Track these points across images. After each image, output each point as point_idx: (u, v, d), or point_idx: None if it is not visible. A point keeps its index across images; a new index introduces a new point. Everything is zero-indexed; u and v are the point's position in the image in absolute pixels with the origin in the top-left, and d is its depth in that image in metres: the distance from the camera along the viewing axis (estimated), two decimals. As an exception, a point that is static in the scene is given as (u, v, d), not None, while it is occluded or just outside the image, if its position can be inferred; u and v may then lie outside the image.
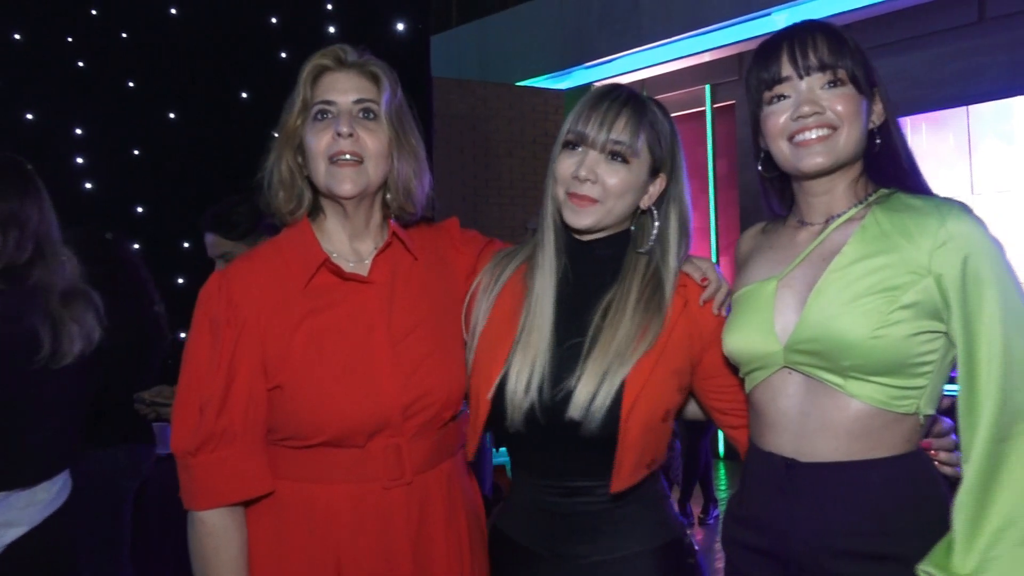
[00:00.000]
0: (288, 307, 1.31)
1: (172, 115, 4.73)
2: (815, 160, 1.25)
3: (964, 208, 1.21)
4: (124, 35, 4.67)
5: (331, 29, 4.95)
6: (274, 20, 4.89)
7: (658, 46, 7.26)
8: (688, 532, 1.45)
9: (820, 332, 1.22)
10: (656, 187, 1.39)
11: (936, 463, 1.26)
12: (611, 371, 1.29)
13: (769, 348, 1.28)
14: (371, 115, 1.34)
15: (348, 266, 1.36)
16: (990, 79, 5.87)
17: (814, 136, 1.25)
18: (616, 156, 1.33)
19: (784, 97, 1.28)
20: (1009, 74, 5.80)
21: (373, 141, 1.33)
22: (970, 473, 1.14)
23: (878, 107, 1.29)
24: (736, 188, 7.33)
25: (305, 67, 1.35)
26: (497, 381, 1.34)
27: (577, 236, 1.40)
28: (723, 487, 6.09)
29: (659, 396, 1.33)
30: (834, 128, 1.25)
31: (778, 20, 6.60)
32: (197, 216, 2.53)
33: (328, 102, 1.33)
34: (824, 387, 1.24)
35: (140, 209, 4.70)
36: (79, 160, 4.52)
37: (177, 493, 1.30)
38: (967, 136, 5.95)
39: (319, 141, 1.32)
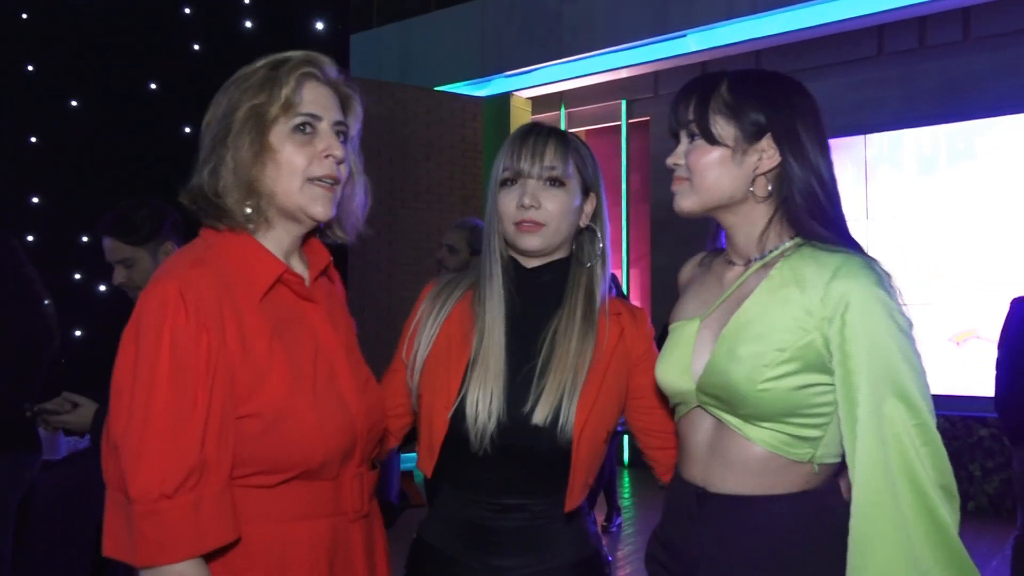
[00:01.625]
0: (251, 323, 1.16)
1: (74, 103, 4.54)
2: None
3: (861, 262, 1.21)
4: (24, 16, 4.45)
5: (248, 24, 4.84)
6: (187, 11, 4.75)
7: (577, 60, 7.37)
8: (603, 545, 1.51)
9: (719, 379, 1.26)
10: (590, 206, 1.50)
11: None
12: (565, 394, 1.38)
13: (685, 387, 1.33)
14: (343, 139, 1.26)
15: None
16: (887, 111, 6.20)
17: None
18: (553, 181, 1.45)
19: None
20: (903, 107, 6.14)
21: (344, 166, 1.26)
22: (851, 532, 1.16)
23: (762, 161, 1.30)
24: (648, 202, 7.51)
25: (288, 65, 1.22)
26: (456, 404, 1.40)
27: (523, 264, 1.49)
28: (627, 495, 6.19)
29: (604, 417, 1.42)
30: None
31: (691, 42, 6.81)
32: (97, 209, 2.43)
33: (314, 116, 1.22)
34: (727, 428, 1.28)
35: (36, 200, 4.49)
36: (-30, 145, 4.29)
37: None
38: (864, 164, 6.28)
39: (300, 157, 1.20)
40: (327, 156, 1.21)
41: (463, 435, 1.38)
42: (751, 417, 1.24)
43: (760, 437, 1.25)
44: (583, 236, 1.51)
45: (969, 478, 5.56)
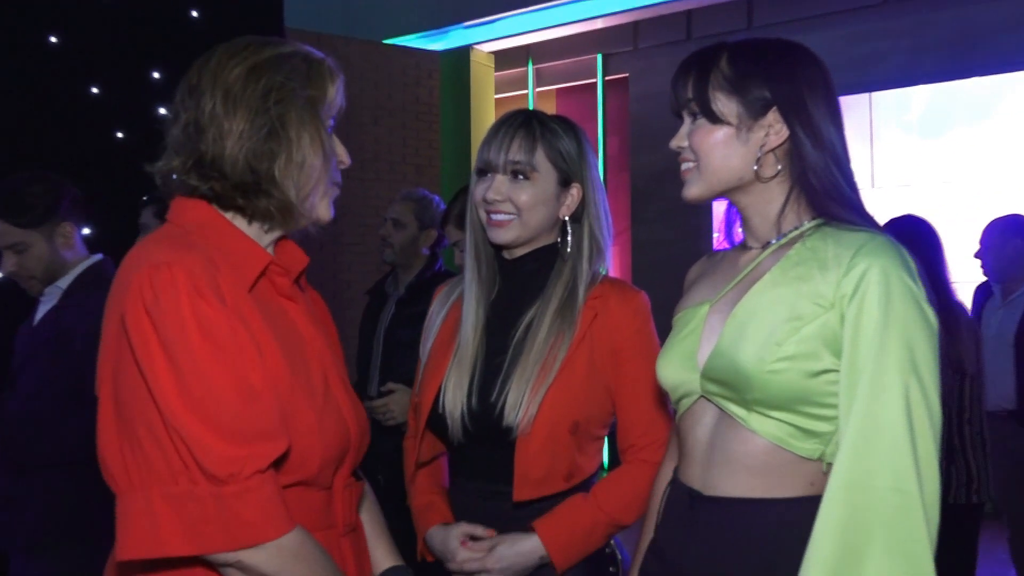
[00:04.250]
0: (247, 314, 1.20)
1: (-42, 58, 4.40)
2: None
3: (887, 242, 1.26)
4: None
5: (164, -36, 4.73)
6: (92, -50, 4.63)
7: (546, 8, 7.34)
8: (611, 543, 1.65)
9: (727, 362, 1.29)
10: (573, 198, 1.66)
11: None
12: (523, 382, 1.56)
13: (688, 376, 1.37)
14: None
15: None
16: (894, 66, 6.27)
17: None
18: (517, 174, 1.62)
19: None
20: (912, 62, 6.21)
21: None
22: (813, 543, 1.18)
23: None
24: (628, 170, 7.52)
25: (327, 66, 1.31)
26: (436, 394, 1.64)
27: (506, 255, 1.68)
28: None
29: (563, 406, 1.56)
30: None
31: (677, -13, 6.81)
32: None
33: (335, 119, 1.33)
34: (731, 420, 1.31)
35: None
36: None
37: None
38: (868, 126, 6.35)
39: (331, 159, 1.30)
40: (340, 161, 1.33)
41: (442, 423, 1.62)
42: (758, 404, 1.27)
43: (765, 428, 1.27)
44: (570, 226, 1.66)
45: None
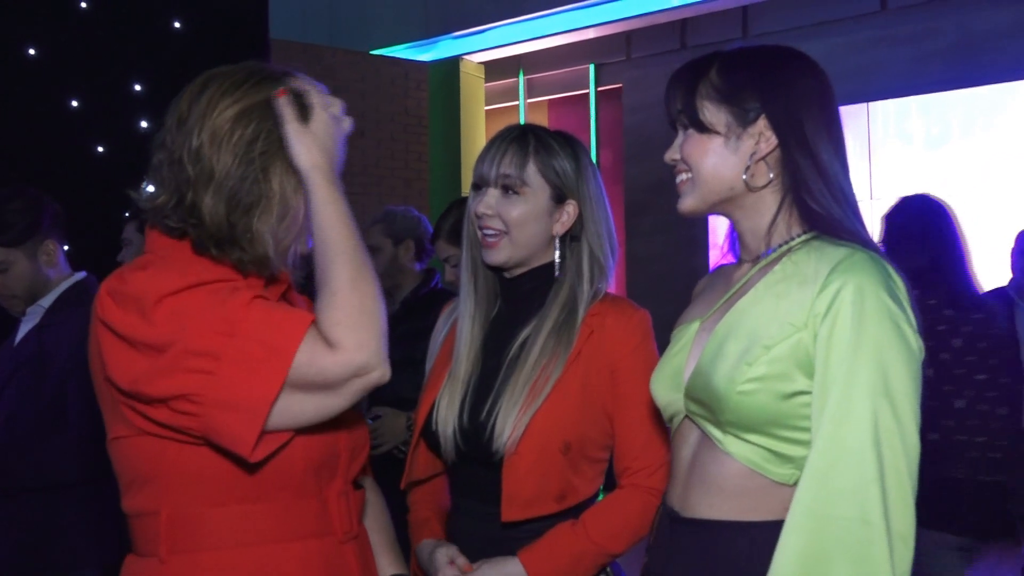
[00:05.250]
0: None
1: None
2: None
3: (867, 257, 1.23)
4: None
5: (146, -25, 4.75)
6: (72, -40, 4.64)
7: (537, 17, 7.38)
8: (608, 570, 1.64)
9: (704, 381, 1.30)
10: (568, 214, 1.66)
11: None
12: (512, 403, 1.57)
13: (675, 395, 1.38)
14: None
15: None
16: (894, 75, 6.31)
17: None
18: (508, 189, 1.63)
19: None
20: (912, 71, 6.26)
21: None
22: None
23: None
24: (621, 182, 7.55)
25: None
26: (429, 409, 1.66)
27: (506, 274, 1.69)
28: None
29: (554, 426, 1.57)
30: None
31: (670, -4, 6.87)
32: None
33: None
34: (710, 441, 1.32)
35: None
36: None
37: None
38: (867, 136, 6.39)
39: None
40: None
41: (435, 440, 1.65)
42: (732, 426, 1.27)
43: (740, 452, 1.28)
44: (569, 246, 1.68)
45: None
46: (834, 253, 1.25)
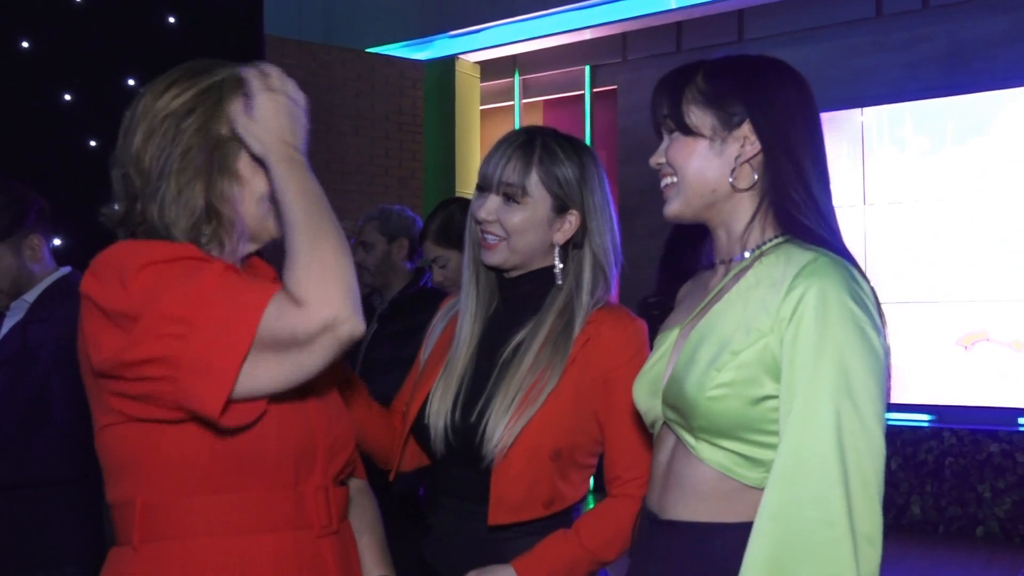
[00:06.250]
0: None
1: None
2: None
3: (831, 261, 1.25)
4: None
5: (141, -31, 4.73)
6: (67, -47, 4.62)
7: (534, 18, 7.38)
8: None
9: (677, 388, 1.32)
10: (570, 224, 1.66)
11: None
12: (503, 410, 1.57)
13: (654, 401, 1.40)
14: None
15: None
16: (887, 81, 6.33)
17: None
18: (509, 198, 1.63)
19: None
20: (905, 76, 6.27)
21: None
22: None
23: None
24: (616, 184, 7.55)
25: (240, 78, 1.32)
26: (421, 404, 1.67)
27: (505, 274, 1.70)
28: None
29: (546, 433, 1.57)
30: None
31: (666, -1, 6.87)
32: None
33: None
34: (683, 447, 1.34)
35: None
36: None
37: None
38: (860, 141, 6.40)
39: (264, 184, 1.33)
40: None
41: (424, 436, 1.65)
42: (703, 431, 1.29)
43: (712, 457, 1.30)
44: (571, 253, 1.67)
45: (978, 500, 5.71)
46: (800, 257, 1.26)
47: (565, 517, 1.62)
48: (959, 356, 6.06)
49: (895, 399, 5.85)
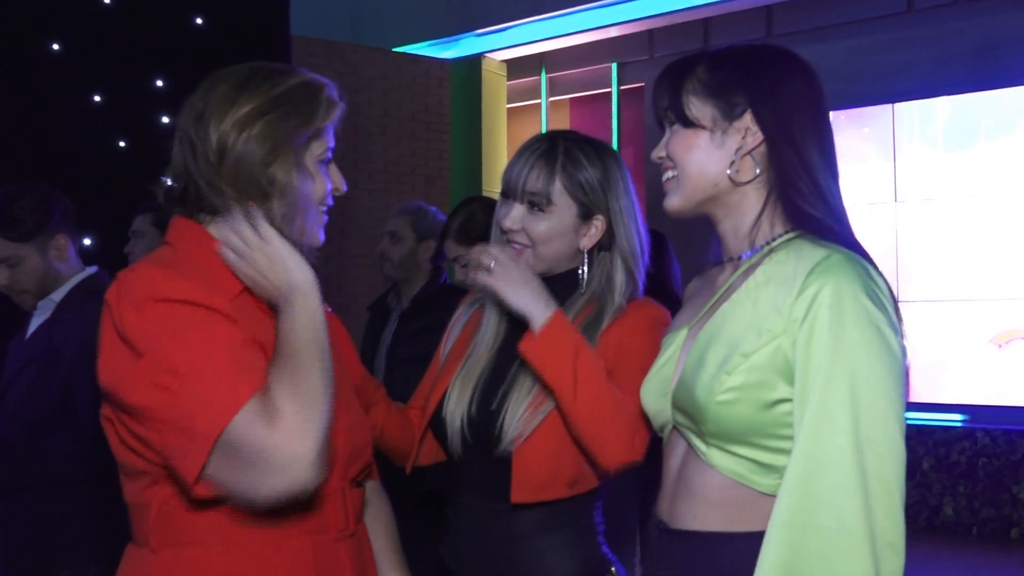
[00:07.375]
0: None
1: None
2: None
3: (845, 258, 1.20)
4: None
5: (170, -28, 4.77)
6: (96, -44, 4.67)
7: (559, 16, 7.36)
8: (612, 569, 1.64)
9: (686, 391, 1.28)
10: (596, 229, 1.65)
11: None
12: (522, 395, 1.57)
13: (664, 404, 1.37)
14: None
15: None
16: (918, 77, 6.25)
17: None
18: (534, 206, 1.63)
19: None
20: (936, 72, 6.19)
21: None
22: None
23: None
24: (643, 181, 7.51)
25: (327, 92, 1.37)
26: (439, 399, 1.67)
27: None
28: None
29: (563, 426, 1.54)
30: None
31: (693, -5, 6.82)
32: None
33: (332, 149, 1.40)
34: (693, 453, 1.31)
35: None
36: None
37: None
38: (891, 138, 6.33)
39: (324, 187, 1.39)
40: (335, 188, 1.42)
41: (442, 431, 1.65)
42: (714, 437, 1.25)
43: (724, 464, 1.26)
44: (597, 256, 1.67)
45: (1013, 501, 5.62)
46: (812, 253, 1.21)
47: (587, 502, 1.61)
48: (993, 355, 5.97)
49: (928, 399, 5.78)
